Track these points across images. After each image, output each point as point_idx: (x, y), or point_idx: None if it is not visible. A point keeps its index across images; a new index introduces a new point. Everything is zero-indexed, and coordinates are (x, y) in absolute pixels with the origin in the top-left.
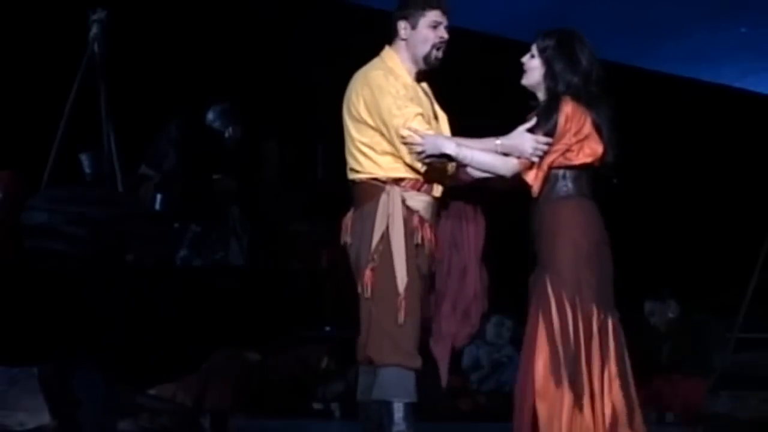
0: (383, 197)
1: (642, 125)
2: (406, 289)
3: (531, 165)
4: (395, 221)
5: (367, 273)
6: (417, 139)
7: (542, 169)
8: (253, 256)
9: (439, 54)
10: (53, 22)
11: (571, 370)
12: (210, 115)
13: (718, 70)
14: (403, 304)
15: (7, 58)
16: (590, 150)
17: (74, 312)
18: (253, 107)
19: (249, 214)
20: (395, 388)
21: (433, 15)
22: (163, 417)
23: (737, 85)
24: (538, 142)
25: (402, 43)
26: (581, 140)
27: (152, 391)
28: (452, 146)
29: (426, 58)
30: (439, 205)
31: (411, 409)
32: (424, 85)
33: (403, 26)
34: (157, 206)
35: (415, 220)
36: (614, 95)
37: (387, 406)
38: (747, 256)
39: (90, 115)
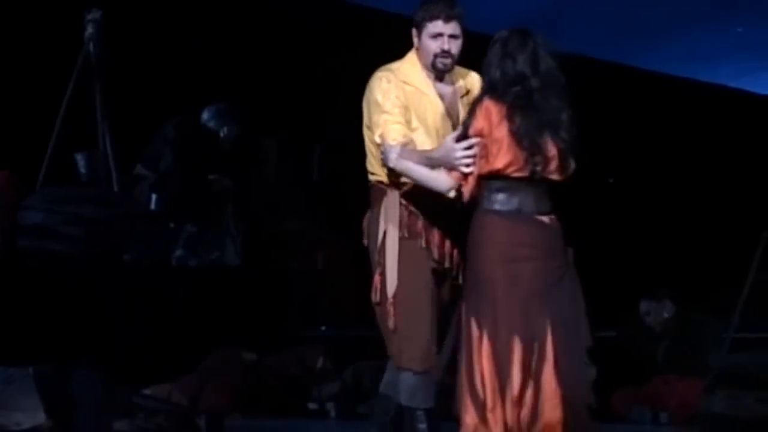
0: (384, 200)
1: (638, 125)
2: (397, 294)
3: (466, 177)
4: (390, 226)
5: (376, 278)
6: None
7: (470, 180)
8: (248, 256)
9: (446, 62)
10: (49, 22)
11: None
12: (205, 115)
13: (715, 70)
14: (391, 309)
15: (2, 58)
16: (505, 157)
17: (70, 312)
18: (250, 107)
19: (245, 215)
20: (411, 394)
21: (433, 26)
22: (159, 417)
23: (734, 85)
24: (462, 149)
25: (418, 50)
26: (496, 145)
27: (148, 391)
28: (393, 158)
29: (433, 66)
30: (452, 207)
31: (429, 415)
32: (447, 88)
33: (414, 34)
34: (153, 206)
35: (419, 225)
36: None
37: (407, 410)
38: (743, 256)
39: (86, 115)
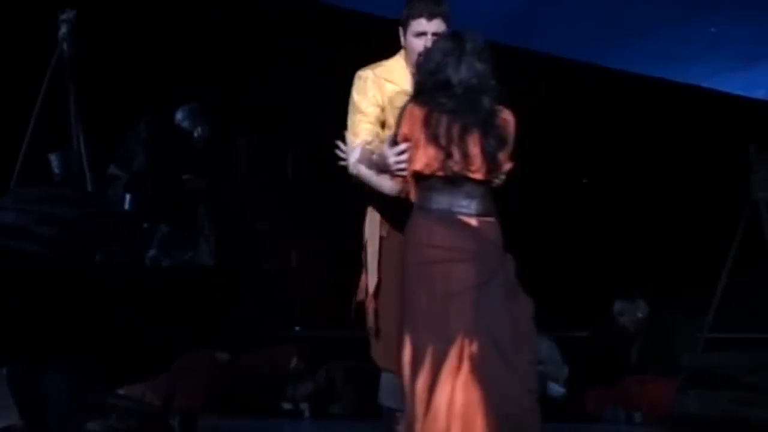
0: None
1: (611, 125)
2: (376, 292)
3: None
4: (372, 224)
5: (362, 277)
6: (345, 149)
7: (407, 181)
8: (222, 256)
9: None
10: (22, 22)
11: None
12: (179, 115)
13: (688, 69)
14: (371, 308)
15: None
16: (423, 158)
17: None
18: (224, 107)
19: (218, 215)
20: (389, 393)
21: (417, 24)
22: (132, 417)
23: (706, 84)
24: (394, 154)
25: (405, 49)
26: (416, 148)
27: (122, 391)
28: (351, 162)
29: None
30: None
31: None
32: None
33: (401, 33)
34: (126, 206)
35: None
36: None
37: (384, 410)
38: (716, 256)
39: (59, 115)
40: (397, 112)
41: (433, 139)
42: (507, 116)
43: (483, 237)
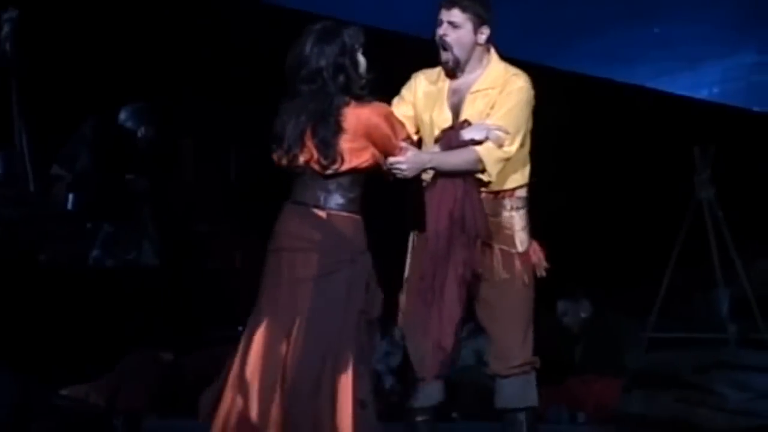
0: None
1: (554, 125)
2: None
3: None
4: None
5: None
6: None
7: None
8: (166, 256)
9: (445, 56)
10: None
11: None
12: (122, 115)
13: (632, 69)
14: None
15: None
16: (274, 152)
17: None
18: (167, 107)
19: (162, 215)
20: None
21: (440, 13)
22: (76, 418)
23: (651, 85)
24: None
25: None
26: None
27: (64, 392)
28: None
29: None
30: None
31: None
32: (466, 83)
33: None
34: (70, 206)
35: None
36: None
37: None
38: (660, 256)
39: (2, 114)
40: (427, 108)
41: (277, 131)
42: (360, 109)
43: (331, 230)
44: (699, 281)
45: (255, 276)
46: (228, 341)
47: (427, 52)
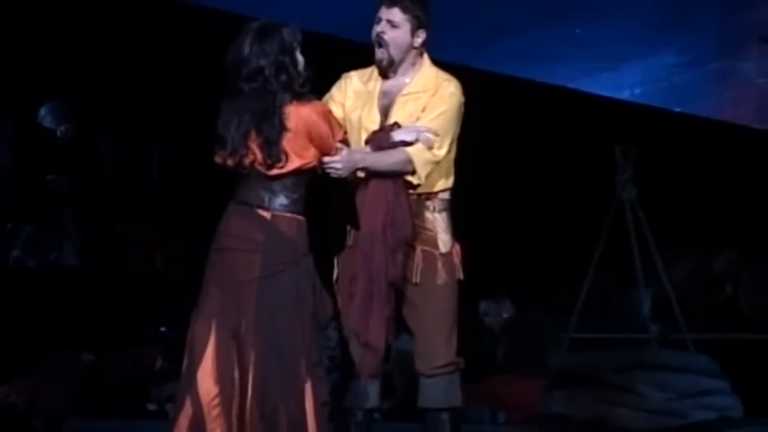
0: None
1: (475, 126)
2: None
3: None
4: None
5: None
6: None
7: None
8: (87, 257)
9: (380, 55)
10: None
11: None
12: (42, 112)
13: (554, 70)
14: None
15: None
16: (217, 153)
17: None
18: (88, 105)
19: (82, 215)
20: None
21: (378, 11)
22: None
23: (572, 85)
24: None
25: None
26: None
27: None
28: None
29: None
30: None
31: None
32: (396, 86)
33: None
34: None
35: None
36: None
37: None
38: (581, 257)
39: None
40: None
41: (219, 133)
42: (301, 107)
43: (275, 231)
44: (620, 281)
45: (177, 276)
46: (149, 341)
47: (349, 53)
